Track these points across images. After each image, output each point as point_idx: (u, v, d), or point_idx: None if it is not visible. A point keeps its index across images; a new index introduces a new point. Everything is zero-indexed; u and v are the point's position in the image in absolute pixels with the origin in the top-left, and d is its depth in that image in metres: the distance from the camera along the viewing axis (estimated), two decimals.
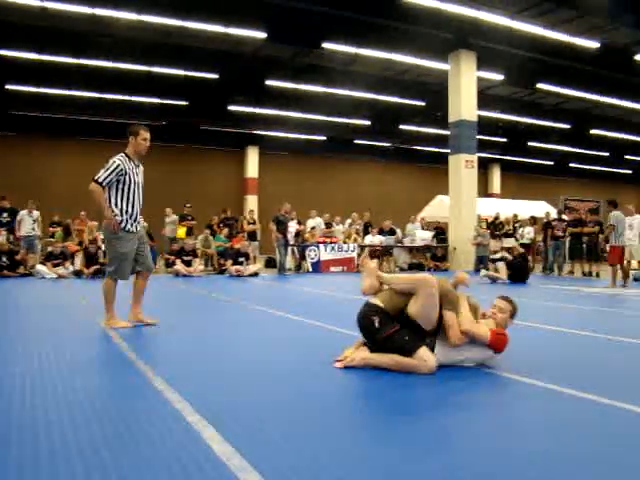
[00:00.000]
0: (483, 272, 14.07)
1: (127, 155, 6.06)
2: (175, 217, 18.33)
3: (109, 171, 5.88)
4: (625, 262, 13.28)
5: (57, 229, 17.98)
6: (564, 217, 18.25)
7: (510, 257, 13.69)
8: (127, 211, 5.98)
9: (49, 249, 14.65)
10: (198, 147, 30.18)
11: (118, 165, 5.90)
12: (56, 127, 26.47)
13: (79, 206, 19.04)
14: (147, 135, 6.12)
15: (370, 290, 4.37)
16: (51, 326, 6.23)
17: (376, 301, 4.19)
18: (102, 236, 16.55)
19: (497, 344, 4.19)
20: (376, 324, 4.05)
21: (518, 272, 13.41)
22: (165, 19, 16.25)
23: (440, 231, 20.52)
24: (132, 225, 6.02)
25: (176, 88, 23.06)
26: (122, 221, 5.94)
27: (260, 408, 3.13)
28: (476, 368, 4.19)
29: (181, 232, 17.73)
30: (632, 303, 9.98)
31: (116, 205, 5.95)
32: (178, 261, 14.90)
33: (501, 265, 13.66)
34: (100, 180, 5.87)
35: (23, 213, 15.58)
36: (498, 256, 14.10)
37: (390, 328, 4.01)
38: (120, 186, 5.95)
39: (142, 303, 6.26)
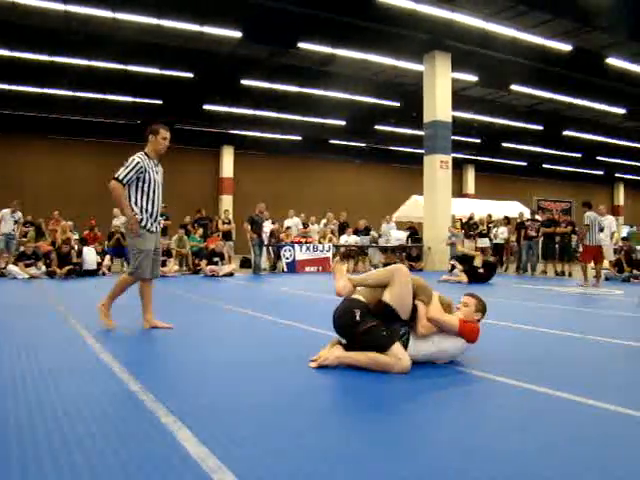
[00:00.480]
0: (444, 277, 14.08)
1: (146, 154, 5.94)
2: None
3: (129, 169, 5.75)
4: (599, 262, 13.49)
5: (30, 229, 17.76)
6: (537, 217, 18.45)
7: (459, 266, 13.77)
8: (147, 210, 5.87)
9: (21, 249, 14.48)
10: (173, 146, 29.78)
11: (138, 163, 5.77)
12: (28, 125, 26.11)
13: (52, 206, 18.85)
14: (167, 134, 6.04)
15: (344, 290, 4.39)
16: (22, 327, 6.15)
17: (357, 296, 4.25)
18: (75, 237, 16.46)
19: (467, 331, 4.26)
20: (357, 317, 4.06)
21: (474, 276, 13.45)
22: (140, 17, 16.11)
23: (414, 231, 20.66)
24: (152, 224, 5.93)
25: (151, 87, 22.88)
26: (142, 220, 5.83)
27: (235, 408, 3.12)
28: (450, 367, 4.22)
29: None
30: (605, 302, 10.12)
31: (136, 204, 5.83)
32: None
33: (456, 271, 13.84)
34: (120, 178, 5.72)
35: (5, 212, 15.42)
36: (449, 267, 14.26)
37: (370, 321, 4.04)
38: (140, 184, 5.82)
39: (151, 309, 6.12)
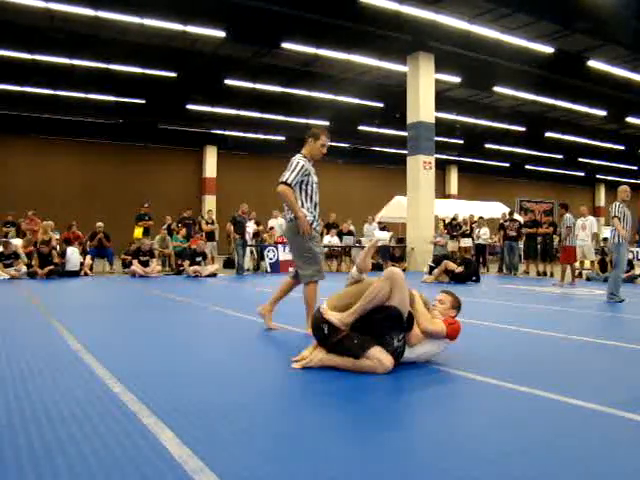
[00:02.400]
0: (424, 277, 14.11)
1: (304, 156, 5.88)
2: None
3: (295, 171, 5.70)
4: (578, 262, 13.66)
5: (10, 229, 17.61)
6: (517, 217, 18.61)
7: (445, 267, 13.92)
8: (312, 212, 5.79)
9: (0, 249, 14.30)
10: (155, 146, 29.82)
11: (303, 165, 5.73)
12: (8, 124, 25.84)
13: (33, 206, 18.68)
14: (326, 141, 5.93)
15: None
16: (2, 328, 6.09)
17: (324, 309, 4.25)
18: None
19: (452, 333, 4.36)
20: (325, 331, 4.11)
21: (454, 277, 13.56)
22: (123, 16, 16.00)
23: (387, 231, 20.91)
24: (316, 226, 5.87)
25: (134, 86, 22.76)
26: (312, 222, 5.76)
27: (218, 409, 3.10)
28: (433, 367, 4.23)
29: (138, 232, 17.50)
30: (586, 302, 10.18)
31: (302, 206, 5.74)
32: (135, 262, 14.71)
33: (435, 271, 13.93)
34: (289, 181, 5.68)
35: None
36: (427, 268, 14.39)
37: (339, 333, 4.06)
38: (304, 187, 5.77)
39: (277, 303, 6.15)
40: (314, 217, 5.82)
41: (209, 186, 31.51)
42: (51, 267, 13.73)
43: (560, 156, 36.27)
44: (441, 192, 35.41)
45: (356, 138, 31.55)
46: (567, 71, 20.74)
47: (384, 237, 19.78)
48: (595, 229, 16.30)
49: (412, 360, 4.25)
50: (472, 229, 19.58)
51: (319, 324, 4.17)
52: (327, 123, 28.02)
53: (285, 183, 5.68)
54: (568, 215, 13.61)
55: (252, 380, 3.81)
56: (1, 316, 7.10)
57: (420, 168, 18.97)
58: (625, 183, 10.13)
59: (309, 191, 5.80)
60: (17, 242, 15.00)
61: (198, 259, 15.05)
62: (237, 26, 17.19)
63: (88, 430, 2.71)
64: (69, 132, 27.27)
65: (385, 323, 4.05)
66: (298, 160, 5.77)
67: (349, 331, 4.06)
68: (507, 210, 20.97)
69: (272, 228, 18.73)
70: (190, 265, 14.92)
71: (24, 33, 18.01)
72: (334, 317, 4.11)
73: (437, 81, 19.79)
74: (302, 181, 5.75)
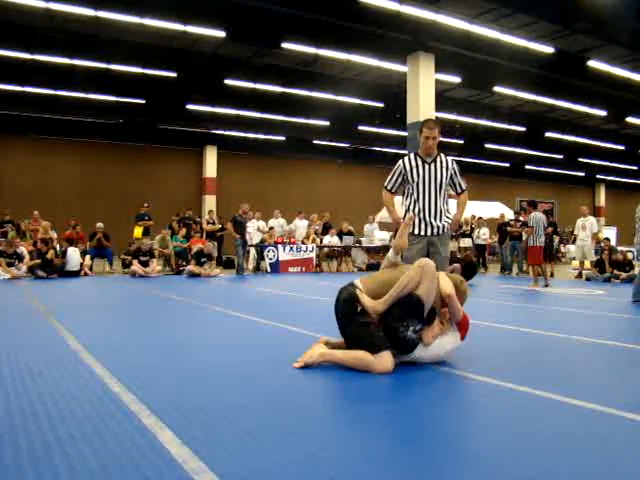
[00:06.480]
0: None
1: (416, 153, 5.74)
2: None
3: (391, 174, 5.78)
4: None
5: (7, 227, 17.58)
6: (520, 219, 18.62)
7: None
8: (411, 211, 5.60)
9: (0, 249, 14.31)
10: (155, 146, 29.77)
11: (398, 166, 5.73)
12: (8, 124, 25.80)
13: (33, 205, 18.66)
14: (429, 133, 5.55)
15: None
16: (2, 328, 6.08)
17: (362, 287, 4.26)
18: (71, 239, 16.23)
19: (466, 322, 4.44)
20: (359, 309, 4.11)
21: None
22: (123, 16, 15.98)
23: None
24: (416, 227, 5.57)
25: (134, 86, 22.70)
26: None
27: (218, 409, 3.10)
28: (434, 367, 4.22)
29: (138, 232, 17.49)
30: (587, 303, 10.17)
31: (407, 208, 5.65)
32: (135, 262, 14.71)
33: None
34: (385, 185, 5.82)
35: None
36: None
37: (369, 318, 4.08)
38: (407, 186, 5.71)
39: None
40: (416, 216, 5.59)
41: (209, 186, 31.46)
42: (47, 267, 13.73)
43: (560, 156, 36.20)
44: None
45: (356, 138, 31.51)
46: (567, 71, 20.72)
47: (384, 237, 19.80)
48: (595, 229, 16.28)
49: (430, 360, 4.27)
50: (472, 229, 19.58)
51: (354, 300, 4.15)
52: (327, 123, 28.03)
53: (384, 188, 5.83)
54: (532, 214, 13.45)
55: (252, 380, 3.81)
56: (1, 316, 7.10)
57: None
58: (625, 183, 10.05)
59: (409, 190, 5.70)
60: (23, 249, 15.00)
61: (203, 259, 15.03)
62: (237, 26, 17.17)
63: (88, 430, 2.71)
64: (69, 132, 27.21)
65: (404, 309, 4.07)
66: (399, 161, 5.75)
67: (377, 321, 4.07)
68: (506, 210, 20.98)
69: (272, 228, 18.73)
70: (195, 265, 14.92)
71: (24, 33, 17.97)
72: (369, 303, 4.15)
73: (437, 81, 19.74)
74: (405, 180, 5.71)
